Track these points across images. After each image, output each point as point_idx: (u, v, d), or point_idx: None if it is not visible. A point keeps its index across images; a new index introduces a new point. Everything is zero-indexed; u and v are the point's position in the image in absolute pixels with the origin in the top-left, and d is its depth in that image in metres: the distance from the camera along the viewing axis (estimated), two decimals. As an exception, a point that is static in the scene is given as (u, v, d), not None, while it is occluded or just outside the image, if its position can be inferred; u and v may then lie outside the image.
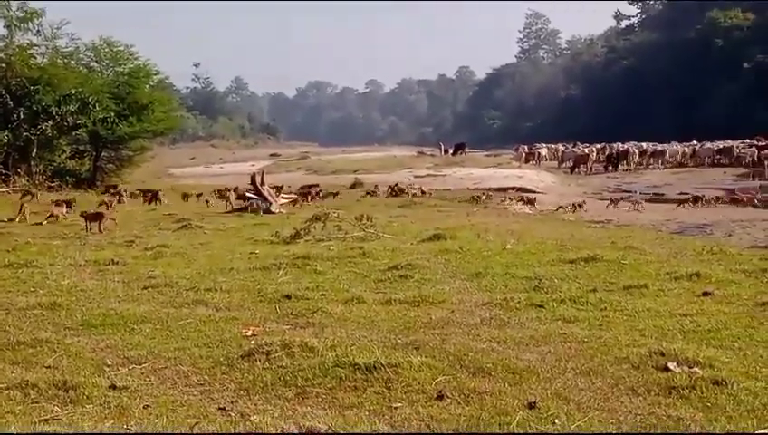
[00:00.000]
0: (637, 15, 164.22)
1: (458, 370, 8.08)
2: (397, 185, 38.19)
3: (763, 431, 6.51)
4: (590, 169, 60.18)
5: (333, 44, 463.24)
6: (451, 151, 74.12)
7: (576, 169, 59.72)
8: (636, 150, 64.33)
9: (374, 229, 20.83)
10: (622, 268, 14.38)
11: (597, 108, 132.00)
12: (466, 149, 75.94)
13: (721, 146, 65.15)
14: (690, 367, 7.94)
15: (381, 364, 7.96)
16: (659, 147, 65.97)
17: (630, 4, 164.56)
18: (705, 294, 11.71)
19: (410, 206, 30.73)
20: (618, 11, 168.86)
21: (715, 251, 16.35)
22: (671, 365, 7.98)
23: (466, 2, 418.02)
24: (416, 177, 48.52)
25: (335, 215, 22.41)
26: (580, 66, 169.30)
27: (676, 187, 42.13)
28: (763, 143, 61.59)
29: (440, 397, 7.34)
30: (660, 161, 62.20)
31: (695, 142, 68.64)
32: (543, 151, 72.59)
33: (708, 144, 66.77)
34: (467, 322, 10.36)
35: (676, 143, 69.15)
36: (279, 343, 8.78)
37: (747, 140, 65.70)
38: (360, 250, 17.06)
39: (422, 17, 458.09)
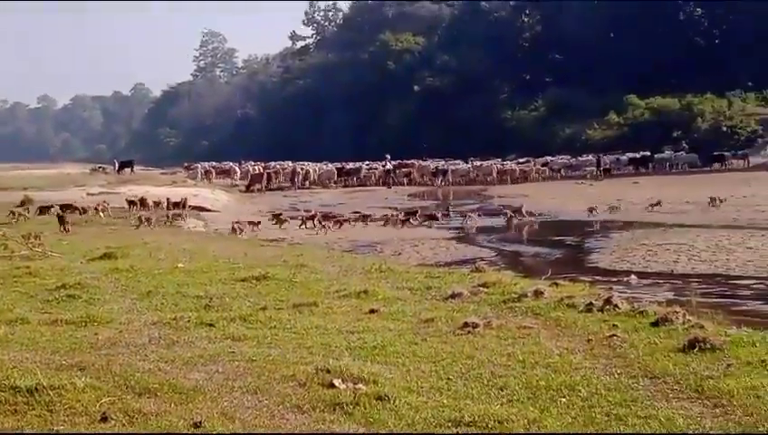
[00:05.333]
0: (312, 37, 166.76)
1: (124, 391, 7.98)
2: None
3: None
4: (264, 187, 60.57)
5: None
6: (116, 169, 71.45)
7: (251, 188, 60.06)
8: (281, 169, 68.79)
9: (42, 248, 20.19)
10: (293, 286, 14.63)
11: (274, 127, 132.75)
12: (135, 167, 73.80)
13: (350, 167, 70.95)
14: (355, 383, 8.15)
15: (43, 386, 7.76)
16: (297, 167, 68.55)
17: (305, 25, 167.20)
18: (372, 311, 12.05)
19: (82, 224, 29.93)
20: (293, 32, 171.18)
21: (383, 269, 16.86)
22: (336, 382, 8.16)
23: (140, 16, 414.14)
24: (89, 194, 47.27)
25: (0, 233, 21.60)
26: (256, 85, 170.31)
27: (349, 206, 43.07)
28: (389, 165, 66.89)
29: (104, 419, 7.25)
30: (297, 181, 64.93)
31: (332, 162, 74.00)
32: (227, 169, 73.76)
33: (330, 166, 71.36)
34: (135, 342, 10.25)
35: (327, 163, 73.34)
36: (-68, 367, 8.36)
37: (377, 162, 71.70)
38: (27, 269, 16.56)
39: (98, 33, 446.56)
